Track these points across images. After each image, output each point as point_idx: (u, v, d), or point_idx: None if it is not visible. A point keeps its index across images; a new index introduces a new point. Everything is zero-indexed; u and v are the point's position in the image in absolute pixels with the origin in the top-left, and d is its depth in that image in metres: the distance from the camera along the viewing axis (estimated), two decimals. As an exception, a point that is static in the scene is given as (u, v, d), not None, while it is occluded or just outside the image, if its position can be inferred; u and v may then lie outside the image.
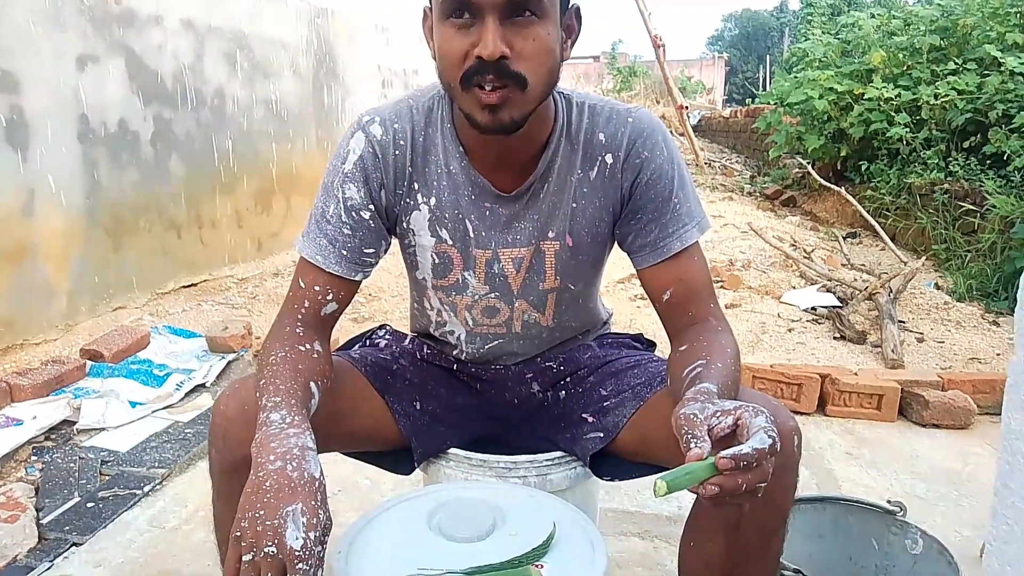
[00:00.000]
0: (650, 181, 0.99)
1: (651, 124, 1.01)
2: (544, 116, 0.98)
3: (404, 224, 1.04)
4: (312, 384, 0.90)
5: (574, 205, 1.02)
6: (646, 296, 1.06)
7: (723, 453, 0.68)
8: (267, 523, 0.69)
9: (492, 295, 1.07)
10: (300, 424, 0.80)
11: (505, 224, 1.02)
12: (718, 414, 0.74)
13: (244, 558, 0.69)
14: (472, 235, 1.03)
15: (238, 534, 0.70)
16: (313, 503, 0.72)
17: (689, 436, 0.72)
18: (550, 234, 1.03)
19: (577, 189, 1.01)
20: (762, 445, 0.69)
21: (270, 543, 0.68)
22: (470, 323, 1.11)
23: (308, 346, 0.95)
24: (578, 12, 0.94)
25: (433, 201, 1.02)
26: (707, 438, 0.72)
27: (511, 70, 0.85)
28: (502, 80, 0.85)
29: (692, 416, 0.74)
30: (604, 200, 1.02)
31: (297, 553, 0.68)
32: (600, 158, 1.00)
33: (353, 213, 0.99)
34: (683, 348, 0.96)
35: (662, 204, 1.00)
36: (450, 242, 1.03)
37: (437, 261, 1.05)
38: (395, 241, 1.09)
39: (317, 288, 0.99)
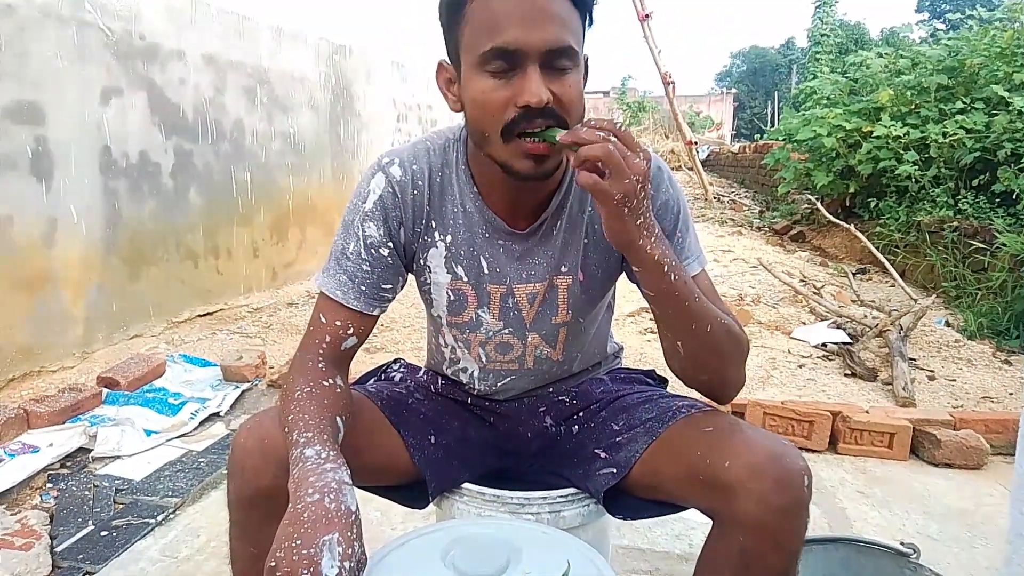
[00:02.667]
0: (656, 217, 1.03)
1: (657, 164, 1.05)
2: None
3: (421, 261, 1.07)
4: (338, 419, 0.93)
5: (586, 241, 1.05)
6: (656, 331, 1.09)
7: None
8: (303, 552, 0.71)
9: (506, 331, 1.09)
10: (336, 459, 0.82)
11: (519, 259, 1.05)
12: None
13: None
14: (487, 271, 1.06)
15: (272, 564, 0.72)
16: (349, 535, 0.74)
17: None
18: (563, 269, 1.06)
19: (588, 226, 1.05)
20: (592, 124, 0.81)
21: (306, 571, 0.70)
22: (483, 359, 1.13)
23: (331, 381, 0.97)
24: (587, 61, 0.98)
25: (449, 238, 1.05)
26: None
27: (557, 114, 0.88)
28: (548, 124, 0.88)
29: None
30: None
31: None
32: None
33: (372, 250, 1.02)
34: None
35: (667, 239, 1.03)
36: (465, 279, 1.06)
37: (452, 298, 1.08)
38: (410, 276, 1.12)
39: (338, 323, 1.02)
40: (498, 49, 0.86)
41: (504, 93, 0.88)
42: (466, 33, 0.89)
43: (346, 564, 0.71)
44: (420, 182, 1.04)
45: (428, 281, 1.08)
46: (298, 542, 0.72)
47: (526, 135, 0.89)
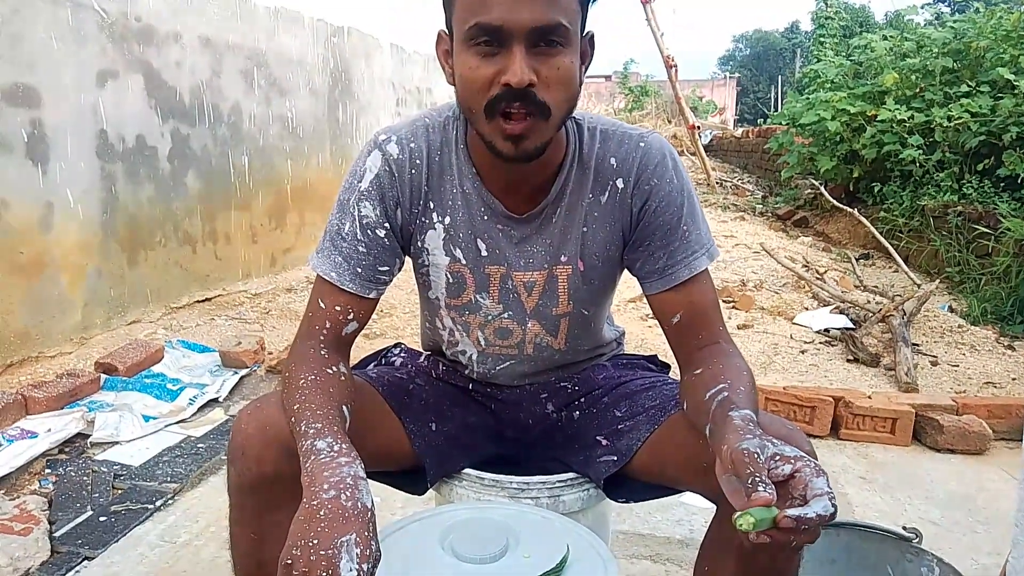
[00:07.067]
0: (658, 208, 1.00)
1: (662, 150, 1.01)
2: (558, 141, 0.98)
3: (419, 243, 1.05)
4: (344, 408, 0.90)
5: (585, 229, 1.02)
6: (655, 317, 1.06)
7: (788, 512, 0.68)
8: (321, 552, 0.69)
9: (505, 315, 1.07)
10: (349, 452, 0.80)
11: (518, 246, 1.03)
12: (777, 458, 0.73)
13: None
14: (485, 254, 1.03)
15: (289, 562, 0.70)
16: (366, 534, 0.72)
17: (755, 478, 0.71)
18: (562, 258, 1.03)
19: (588, 213, 1.02)
20: (824, 512, 0.68)
21: (323, 573, 0.68)
22: (482, 343, 1.11)
23: (335, 368, 0.95)
24: (592, 39, 0.95)
25: (447, 220, 1.02)
26: (771, 483, 0.71)
27: (537, 98, 0.85)
28: (527, 108, 0.86)
29: (754, 454, 0.73)
30: (614, 225, 1.02)
31: None
32: (611, 183, 1.01)
33: (368, 231, 1.00)
34: (698, 371, 0.96)
35: (670, 231, 1.00)
36: (463, 262, 1.04)
37: (451, 280, 1.06)
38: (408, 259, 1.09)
39: (337, 308, 0.99)
40: (483, 25, 0.84)
41: (488, 71, 0.85)
42: (457, 6, 0.88)
43: (364, 566, 0.70)
44: (418, 161, 1.01)
45: (426, 263, 1.06)
46: (315, 541, 0.70)
47: (508, 116, 0.86)
